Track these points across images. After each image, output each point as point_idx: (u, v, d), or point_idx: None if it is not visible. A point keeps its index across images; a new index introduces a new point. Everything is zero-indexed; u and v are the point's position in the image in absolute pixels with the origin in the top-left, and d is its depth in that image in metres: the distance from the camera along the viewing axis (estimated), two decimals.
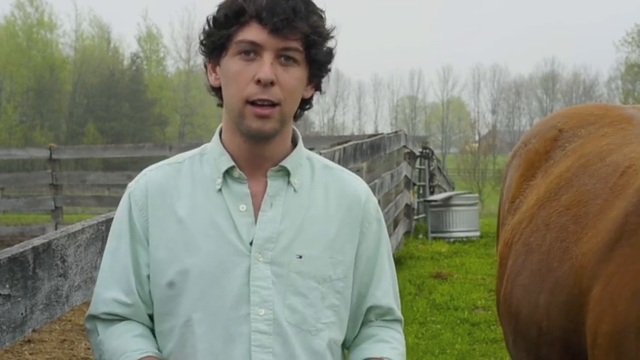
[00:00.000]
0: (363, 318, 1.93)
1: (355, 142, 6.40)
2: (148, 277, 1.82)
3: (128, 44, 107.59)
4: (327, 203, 1.86)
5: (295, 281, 1.78)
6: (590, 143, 2.84)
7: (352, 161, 6.07)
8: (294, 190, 1.83)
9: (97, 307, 1.83)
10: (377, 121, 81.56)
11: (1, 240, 12.09)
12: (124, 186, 1.88)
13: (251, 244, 1.77)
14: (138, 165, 26.03)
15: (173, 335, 1.79)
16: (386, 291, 1.94)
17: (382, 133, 9.06)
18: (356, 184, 1.92)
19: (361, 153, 6.57)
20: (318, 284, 1.80)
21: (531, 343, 2.56)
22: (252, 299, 1.75)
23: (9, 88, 52.47)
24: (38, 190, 22.04)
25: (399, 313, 1.98)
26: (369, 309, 1.92)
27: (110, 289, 1.82)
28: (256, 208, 1.80)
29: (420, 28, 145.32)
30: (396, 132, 10.49)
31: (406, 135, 11.79)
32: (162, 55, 61.13)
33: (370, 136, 8.56)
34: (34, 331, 2.01)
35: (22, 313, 1.85)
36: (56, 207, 12.23)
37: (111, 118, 53.99)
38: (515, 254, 2.77)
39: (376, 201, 1.96)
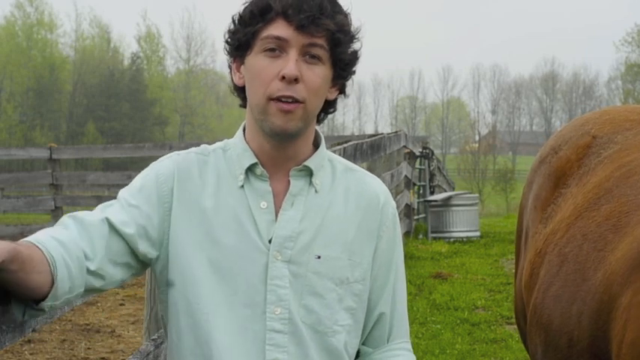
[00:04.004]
0: (376, 332, 1.90)
1: (355, 142, 6.39)
2: (126, 238, 1.74)
3: (128, 44, 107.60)
4: (347, 205, 1.85)
5: (312, 281, 1.78)
6: (629, 151, 2.75)
7: (352, 161, 6.05)
8: (316, 191, 1.83)
9: (92, 213, 1.75)
10: (377, 121, 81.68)
11: (1, 240, 12.07)
12: (124, 186, 1.86)
13: (270, 242, 1.77)
14: (138, 165, 26.03)
15: (187, 331, 1.78)
16: (395, 301, 1.91)
17: (382, 133, 9.05)
18: (375, 187, 1.91)
19: (361, 153, 6.57)
20: (336, 286, 1.79)
21: (562, 354, 2.49)
22: (268, 298, 1.75)
23: (9, 88, 52.48)
24: (38, 190, 22.06)
25: (406, 328, 1.95)
26: (381, 315, 1.90)
27: (110, 214, 1.74)
28: (277, 207, 1.80)
29: (420, 28, 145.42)
30: (396, 132, 10.48)
31: (406, 135, 11.78)
32: (162, 55, 61.20)
33: (370, 136, 8.55)
34: (34, 331, 2.00)
35: None
36: (56, 207, 12.24)
37: (111, 118, 53.99)
38: (548, 265, 2.68)
39: (395, 205, 1.95)
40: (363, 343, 1.91)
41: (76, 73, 55.24)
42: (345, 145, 5.88)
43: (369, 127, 78.29)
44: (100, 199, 14.13)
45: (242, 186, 1.80)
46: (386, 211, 1.89)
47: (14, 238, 12.38)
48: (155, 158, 1.94)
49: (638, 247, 2.23)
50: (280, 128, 1.74)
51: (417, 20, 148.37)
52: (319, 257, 1.79)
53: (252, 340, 1.75)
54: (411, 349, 1.95)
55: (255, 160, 1.80)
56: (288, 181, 1.81)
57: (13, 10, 54.09)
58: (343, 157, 5.54)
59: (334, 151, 5.23)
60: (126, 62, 60.15)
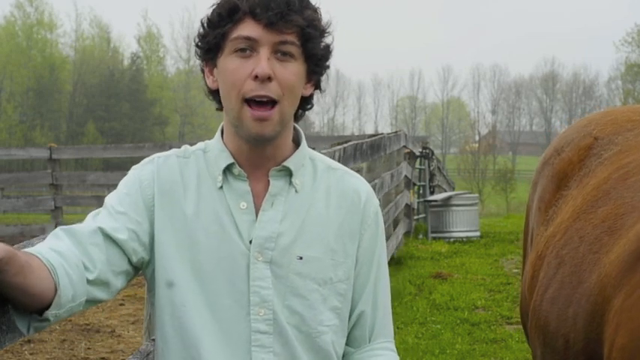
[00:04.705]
0: (357, 332, 1.88)
1: (355, 142, 6.38)
2: (121, 244, 1.73)
3: (128, 44, 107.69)
4: (328, 205, 1.83)
5: (295, 282, 1.76)
6: (628, 152, 2.73)
7: (352, 161, 6.06)
8: (296, 191, 1.81)
9: (81, 225, 1.73)
10: (377, 121, 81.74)
11: (1, 240, 12.00)
12: None
13: (251, 242, 1.76)
14: None
15: (173, 335, 1.77)
16: (376, 300, 1.89)
17: (382, 133, 9.04)
18: (357, 186, 1.89)
19: (361, 153, 6.56)
20: (319, 286, 1.78)
21: (559, 356, 2.48)
22: (251, 299, 1.74)
23: (9, 88, 52.48)
24: (38, 190, 22.06)
25: (390, 328, 1.92)
26: (361, 314, 1.87)
27: (102, 223, 1.73)
28: (257, 207, 1.79)
29: (420, 28, 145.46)
30: (396, 132, 10.47)
31: (406, 135, 11.78)
32: (162, 55, 61.21)
33: (370, 136, 8.54)
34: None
35: None
36: (56, 207, 12.24)
37: (111, 118, 53.99)
38: (547, 267, 2.67)
39: (377, 203, 1.93)
40: (345, 343, 1.88)
41: (76, 73, 55.24)
42: (345, 145, 5.87)
43: (369, 127, 78.40)
44: (100, 199, 14.12)
45: (221, 187, 1.79)
46: (367, 209, 1.87)
47: (14, 238, 12.43)
48: None
49: (630, 249, 2.21)
50: (257, 134, 1.73)
51: (417, 20, 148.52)
52: (301, 258, 1.77)
53: (238, 342, 1.74)
54: (395, 350, 1.92)
55: (231, 161, 1.79)
56: (268, 181, 1.80)
57: (13, 10, 54.19)
58: (343, 157, 5.55)
59: (334, 151, 5.23)
60: (126, 62, 60.18)
